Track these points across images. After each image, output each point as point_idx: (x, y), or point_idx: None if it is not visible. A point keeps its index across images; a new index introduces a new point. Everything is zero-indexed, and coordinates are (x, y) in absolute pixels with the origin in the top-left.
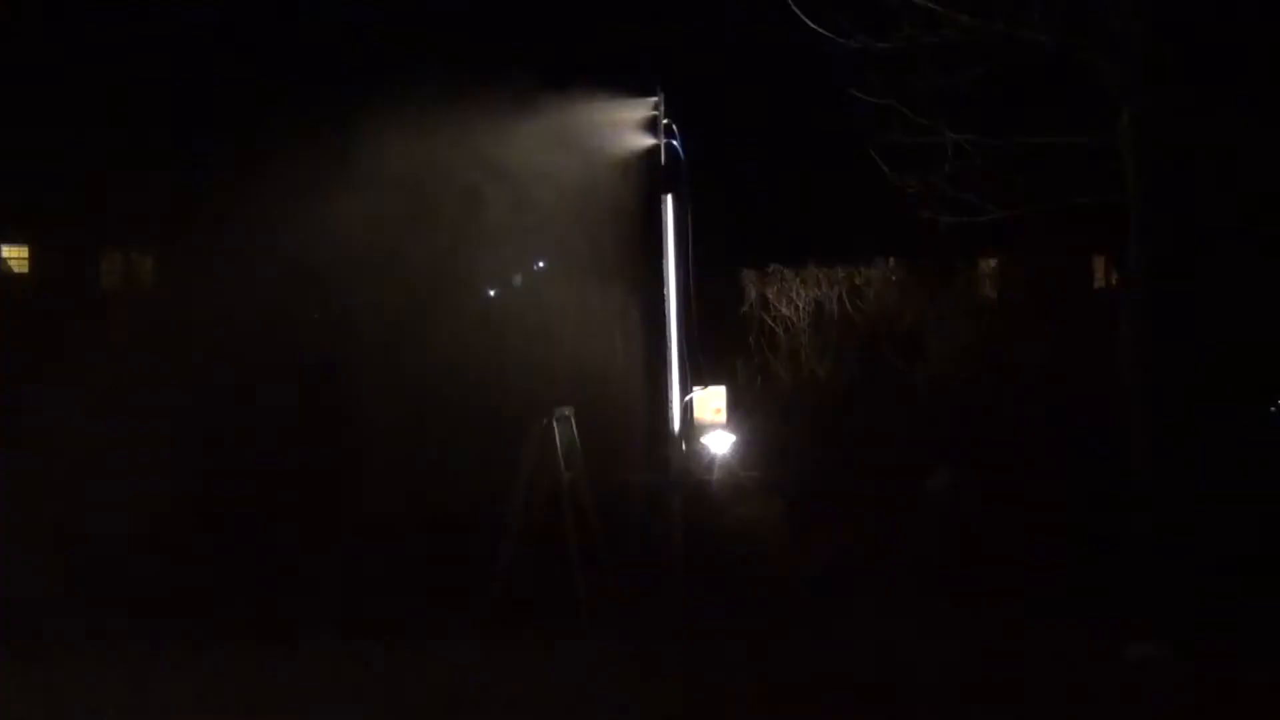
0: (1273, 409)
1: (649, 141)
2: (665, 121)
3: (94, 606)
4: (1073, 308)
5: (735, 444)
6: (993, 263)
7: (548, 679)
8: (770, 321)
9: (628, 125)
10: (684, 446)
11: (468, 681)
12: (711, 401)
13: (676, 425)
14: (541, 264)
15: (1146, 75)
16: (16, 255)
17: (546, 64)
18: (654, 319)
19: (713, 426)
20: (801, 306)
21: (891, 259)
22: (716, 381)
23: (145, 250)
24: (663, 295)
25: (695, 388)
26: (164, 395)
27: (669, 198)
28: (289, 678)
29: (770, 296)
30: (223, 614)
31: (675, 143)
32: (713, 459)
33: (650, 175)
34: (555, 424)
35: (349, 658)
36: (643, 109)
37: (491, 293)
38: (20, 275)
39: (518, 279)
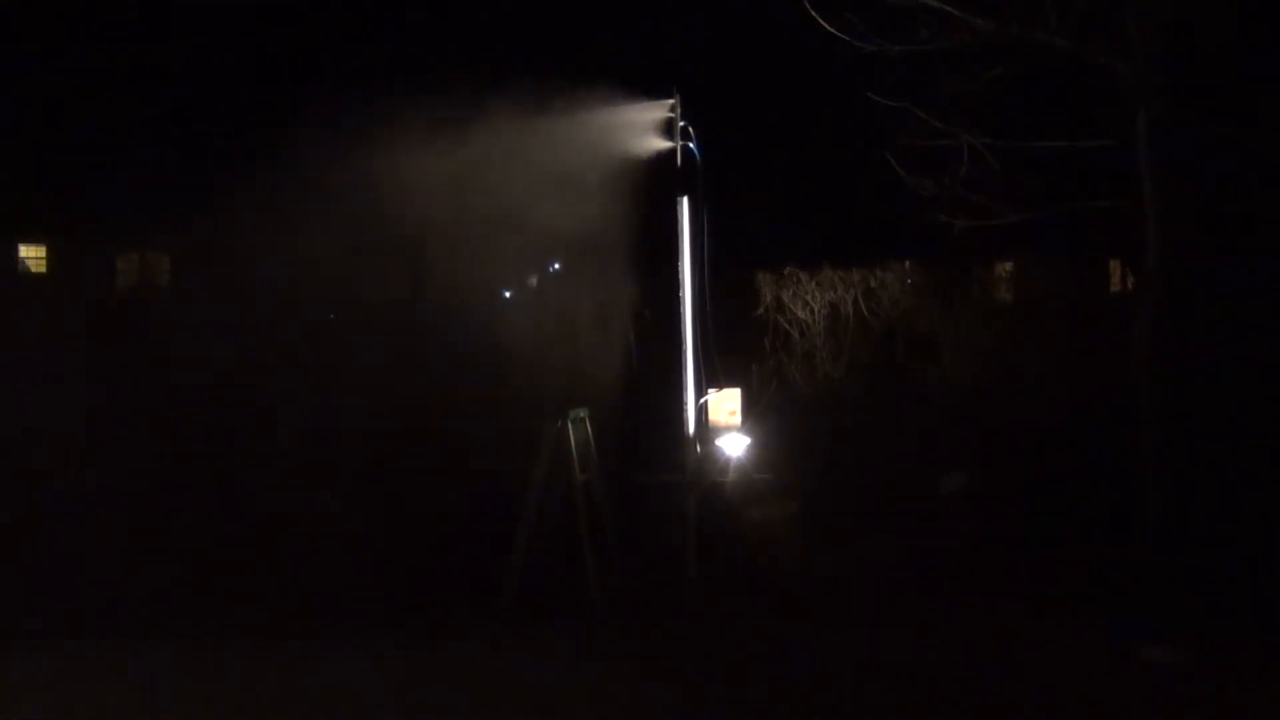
0: None
1: (665, 144)
2: (681, 124)
3: (104, 603)
4: (1089, 311)
5: (750, 446)
6: (1008, 266)
7: (560, 679)
8: (785, 324)
9: (644, 127)
10: (699, 448)
11: (480, 681)
12: (726, 404)
13: (691, 427)
14: (557, 265)
15: (1163, 78)
16: (34, 255)
17: (562, 66)
18: (669, 321)
19: (727, 429)
20: (817, 309)
21: (907, 262)
22: (731, 384)
23: (162, 250)
24: (678, 297)
25: (710, 390)
26: (173, 395)
27: (685, 200)
28: (300, 677)
29: (785, 299)
30: (228, 614)
31: (691, 145)
32: (727, 461)
33: (666, 177)
34: (570, 425)
35: (360, 656)
36: (659, 111)
37: (507, 294)
38: (38, 274)
39: (533, 280)
